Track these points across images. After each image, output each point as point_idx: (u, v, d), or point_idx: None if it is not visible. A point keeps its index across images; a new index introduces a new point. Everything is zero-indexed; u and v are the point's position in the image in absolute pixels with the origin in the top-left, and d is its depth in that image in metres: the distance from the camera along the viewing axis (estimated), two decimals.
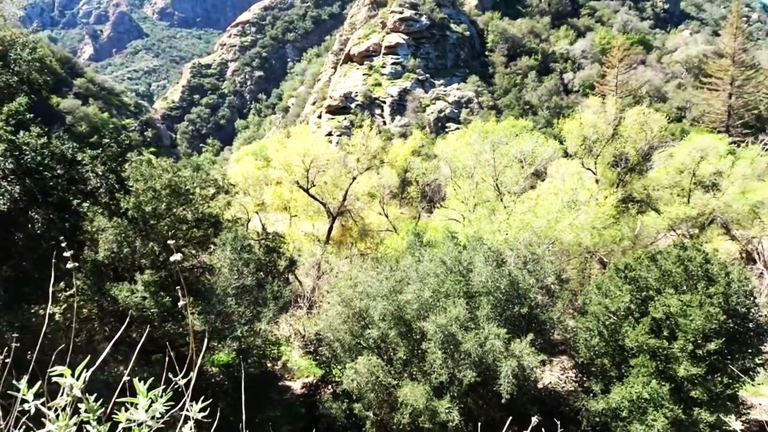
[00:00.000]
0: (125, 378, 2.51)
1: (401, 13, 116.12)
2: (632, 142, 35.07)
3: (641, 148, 35.63)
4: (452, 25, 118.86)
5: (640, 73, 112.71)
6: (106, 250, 17.78)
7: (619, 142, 35.03)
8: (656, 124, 35.65)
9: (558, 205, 27.72)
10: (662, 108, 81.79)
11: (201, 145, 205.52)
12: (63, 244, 2.92)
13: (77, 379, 2.16)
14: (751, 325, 16.14)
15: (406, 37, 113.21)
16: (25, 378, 2.23)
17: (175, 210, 20.04)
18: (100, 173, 15.06)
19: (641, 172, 36.71)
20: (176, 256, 2.23)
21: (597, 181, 35.73)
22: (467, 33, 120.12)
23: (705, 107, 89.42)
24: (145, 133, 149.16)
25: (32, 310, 13.29)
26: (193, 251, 21.98)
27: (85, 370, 2.20)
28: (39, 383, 2.23)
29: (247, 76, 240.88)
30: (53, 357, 2.52)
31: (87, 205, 15.35)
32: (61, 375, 2.19)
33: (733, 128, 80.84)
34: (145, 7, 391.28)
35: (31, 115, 13.84)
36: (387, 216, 40.39)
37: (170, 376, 2.34)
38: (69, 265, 2.54)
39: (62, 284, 14.38)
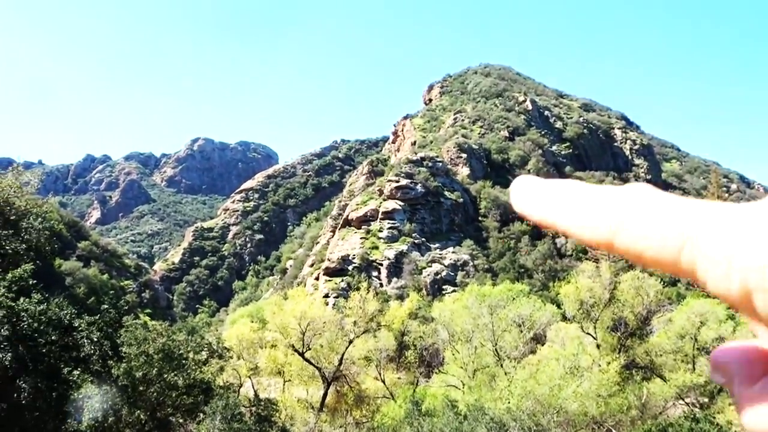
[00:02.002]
0: None
1: (397, 181, 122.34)
2: (630, 307, 35.10)
3: (639, 313, 35.56)
4: (446, 193, 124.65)
5: None
6: (90, 419, 16.94)
7: (616, 307, 35.05)
8: (652, 289, 35.96)
9: (560, 372, 26.99)
10: (656, 272, 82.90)
11: (197, 306, 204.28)
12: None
13: None
14: None
15: (402, 203, 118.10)
16: None
17: (166, 375, 19.46)
18: (95, 339, 14.89)
19: (642, 337, 36.25)
20: None
21: (598, 346, 35.14)
22: (461, 200, 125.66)
23: None
24: (143, 294, 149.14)
25: None
26: (181, 420, 20.98)
27: None
28: None
29: (247, 239, 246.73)
30: None
31: (77, 372, 14.98)
32: None
33: None
34: (154, 176, 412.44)
35: (34, 281, 14.03)
36: (384, 381, 39.06)
37: None
38: None
39: None
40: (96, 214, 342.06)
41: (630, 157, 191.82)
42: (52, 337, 13.68)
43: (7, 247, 15.79)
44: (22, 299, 13.76)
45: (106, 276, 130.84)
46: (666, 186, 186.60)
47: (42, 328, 13.55)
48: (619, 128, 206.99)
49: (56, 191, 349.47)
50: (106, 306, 16.55)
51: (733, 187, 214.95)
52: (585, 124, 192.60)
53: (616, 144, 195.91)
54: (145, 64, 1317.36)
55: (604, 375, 27.23)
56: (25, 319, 13.04)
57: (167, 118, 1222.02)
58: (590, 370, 27.61)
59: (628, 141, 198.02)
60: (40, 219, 15.19)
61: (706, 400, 31.98)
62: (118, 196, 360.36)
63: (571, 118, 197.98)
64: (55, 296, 16.93)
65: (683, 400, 31.73)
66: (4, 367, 12.21)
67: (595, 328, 35.55)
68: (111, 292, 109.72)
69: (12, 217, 16.69)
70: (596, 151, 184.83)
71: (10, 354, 12.47)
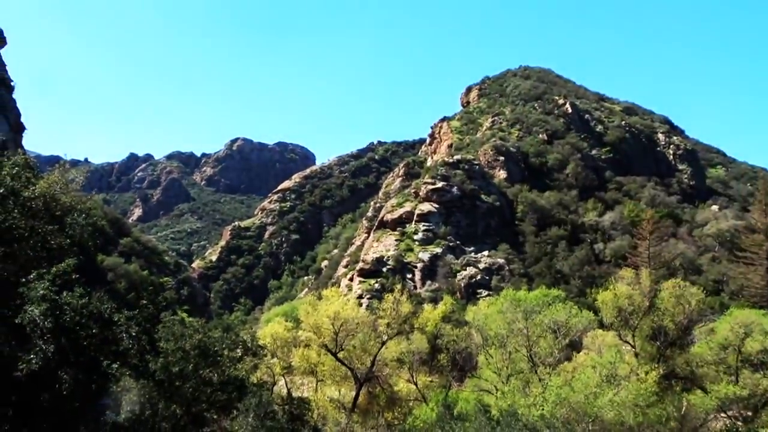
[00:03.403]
0: None
1: (433, 184, 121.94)
2: (670, 316, 34.14)
3: (680, 322, 34.55)
4: (482, 196, 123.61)
5: (672, 245, 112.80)
6: (127, 412, 17.36)
7: (656, 315, 34.15)
8: (693, 298, 34.91)
9: (596, 380, 26.45)
10: (698, 281, 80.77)
11: (233, 304, 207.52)
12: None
13: None
14: None
15: (437, 205, 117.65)
16: None
17: (201, 371, 19.79)
18: (134, 334, 15.28)
19: (682, 347, 35.22)
20: None
21: (636, 355, 34.30)
22: (497, 203, 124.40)
23: (743, 281, 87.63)
24: (181, 291, 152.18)
25: None
26: (215, 416, 21.30)
27: None
28: None
29: (283, 239, 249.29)
30: None
31: (116, 366, 15.39)
32: None
33: None
34: (194, 175, 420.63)
35: (77, 275, 14.49)
36: (416, 384, 38.94)
37: None
38: None
39: None
40: (138, 212, 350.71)
41: (673, 162, 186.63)
42: (93, 331, 14.11)
43: (53, 242, 16.42)
44: (65, 293, 14.24)
45: (146, 272, 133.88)
46: (710, 192, 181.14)
47: (83, 321, 13.98)
48: (662, 132, 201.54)
49: (100, 188, 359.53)
50: (144, 302, 16.98)
51: None
52: (627, 128, 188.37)
53: (658, 149, 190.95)
54: (187, 66, 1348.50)
55: (642, 384, 26.58)
56: (67, 312, 13.51)
57: (208, 119, 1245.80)
58: (628, 378, 26.99)
59: (672, 146, 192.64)
60: (84, 215, 15.75)
61: (750, 413, 30.88)
62: (160, 195, 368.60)
63: (613, 121, 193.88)
64: (96, 291, 17.41)
65: (725, 413, 30.73)
66: (47, 358, 12.68)
67: (633, 336, 34.72)
68: (150, 288, 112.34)
69: (58, 213, 17.32)
70: (638, 155, 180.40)
71: (52, 346, 12.94)
